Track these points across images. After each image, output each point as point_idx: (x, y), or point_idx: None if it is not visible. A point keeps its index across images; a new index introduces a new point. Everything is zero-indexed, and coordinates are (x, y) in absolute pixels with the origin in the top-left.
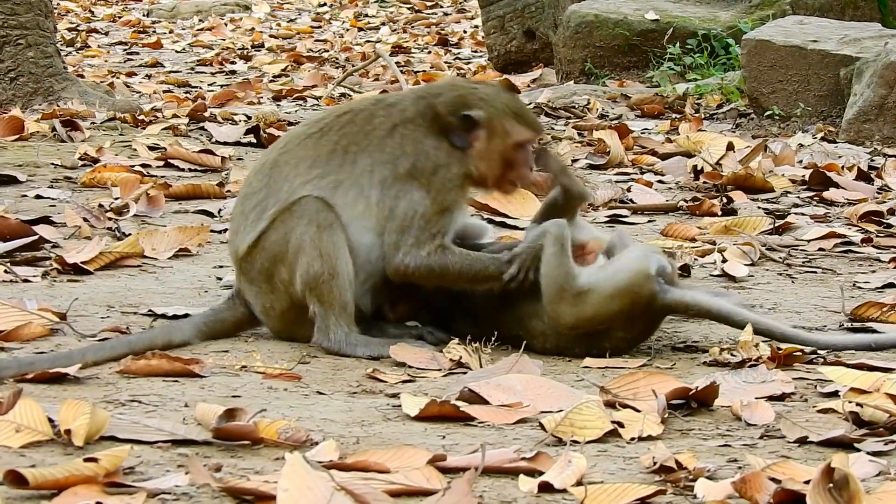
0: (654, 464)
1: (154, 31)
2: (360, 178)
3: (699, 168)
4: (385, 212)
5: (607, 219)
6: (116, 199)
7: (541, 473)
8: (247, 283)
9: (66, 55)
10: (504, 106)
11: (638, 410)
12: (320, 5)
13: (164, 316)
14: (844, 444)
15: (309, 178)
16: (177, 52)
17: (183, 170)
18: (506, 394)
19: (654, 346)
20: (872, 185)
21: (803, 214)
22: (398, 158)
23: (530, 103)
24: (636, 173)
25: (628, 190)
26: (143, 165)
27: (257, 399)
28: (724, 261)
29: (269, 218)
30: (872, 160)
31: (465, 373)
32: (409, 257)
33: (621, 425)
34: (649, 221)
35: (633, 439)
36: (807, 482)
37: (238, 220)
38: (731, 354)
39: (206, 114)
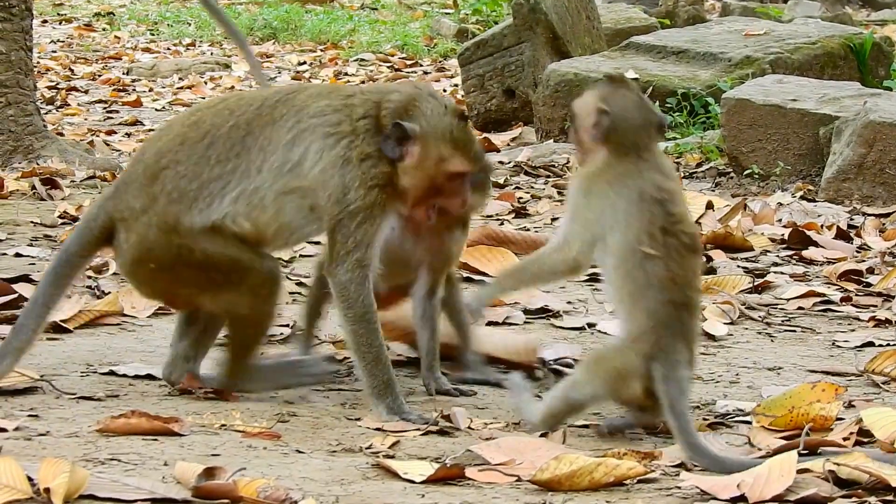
0: None
1: (134, 90)
2: None
3: None
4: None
5: (587, 278)
6: (96, 257)
7: None
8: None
9: (46, 113)
10: (446, 130)
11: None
12: (300, 64)
13: (125, 376)
14: (822, 502)
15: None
16: (157, 110)
17: None
18: (503, 453)
19: None
20: (852, 243)
21: (783, 273)
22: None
23: (509, 162)
24: None
25: None
26: None
27: (237, 458)
28: (704, 319)
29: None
30: (852, 219)
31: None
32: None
33: None
34: None
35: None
36: None
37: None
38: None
39: None
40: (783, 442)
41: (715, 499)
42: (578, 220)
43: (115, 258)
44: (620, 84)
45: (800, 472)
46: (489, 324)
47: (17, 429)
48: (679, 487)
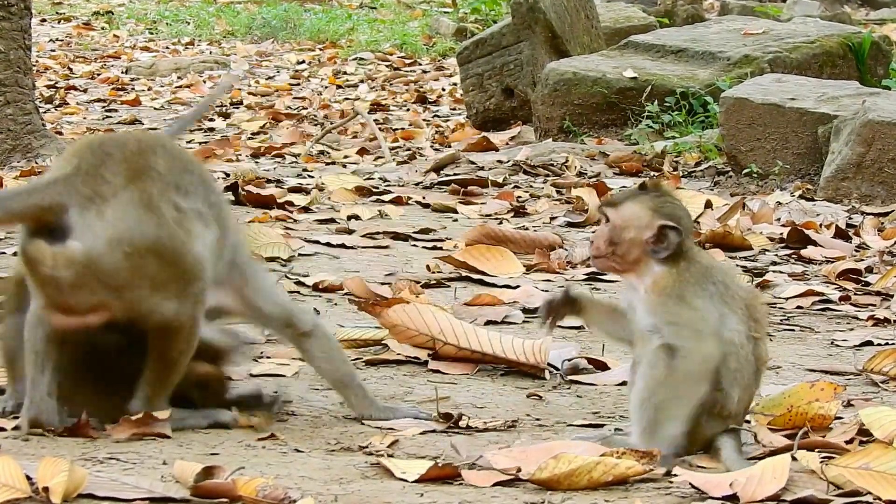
0: None
1: (133, 89)
2: None
3: None
4: None
5: (585, 277)
6: None
7: None
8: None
9: (45, 112)
10: None
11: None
12: (299, 63)
13: None
14: None
15: None
16: (155, 109)
17: None
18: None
19: None
20: (850, 242)
21: (781, 272)
22: None
23: (508, 161)
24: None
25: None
26: None
27: (235, 457)
28: None
29: None
30: (850, 218)
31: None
32: None
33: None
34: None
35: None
36: None
37: None
38: None
39: None
40: (788, 441)
41: (710, 497)
42: (689, 321)
43: None
44: (664, 192)
45: (797, 471)
46: (488, 323)
47: (15, 428)
48: (676, 486)
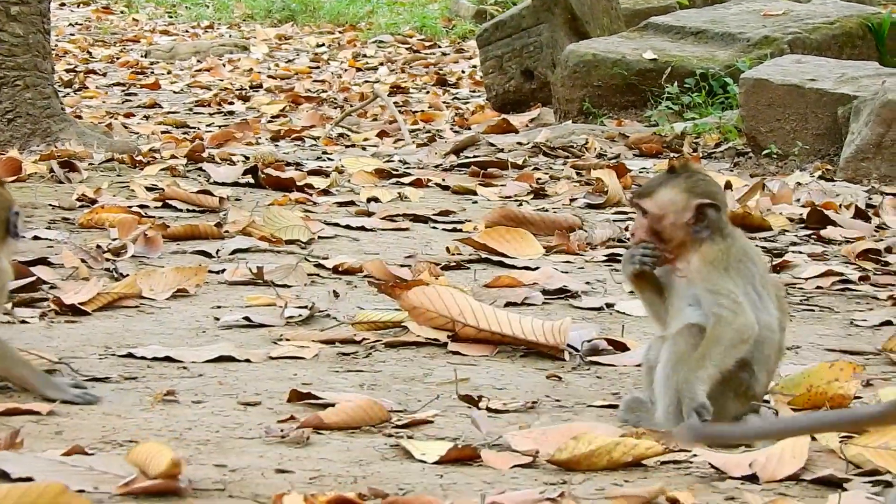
0: (647, 500)
1: (152, 72)
2: None
3: None
4: None
5: (605, 258)
6: (114, 239)
7: None
8: None
9: (64, 96)
10: None
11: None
12: (318, 46)
13: (143, 358)
14: (837, 483)
15: None
16: (175, 92)
17: (181, 210)
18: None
19: None
20: (870, 223)
21: (801, 253)
22: None
23: (528, 143)
24: (634, 212)
25: (626, 229)
26: (141, 206)
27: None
28: None
29: None
30: (870, 198)
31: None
32: None
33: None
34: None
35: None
36: None
37: None
38: None
39: (205, 154)
40: None
41: (729, 477)
42: (731, 293)
43: None
44: (694, 172)
45: (816, 451)
46: (507, 305)
47: (50, 413)
48: (696, 466)
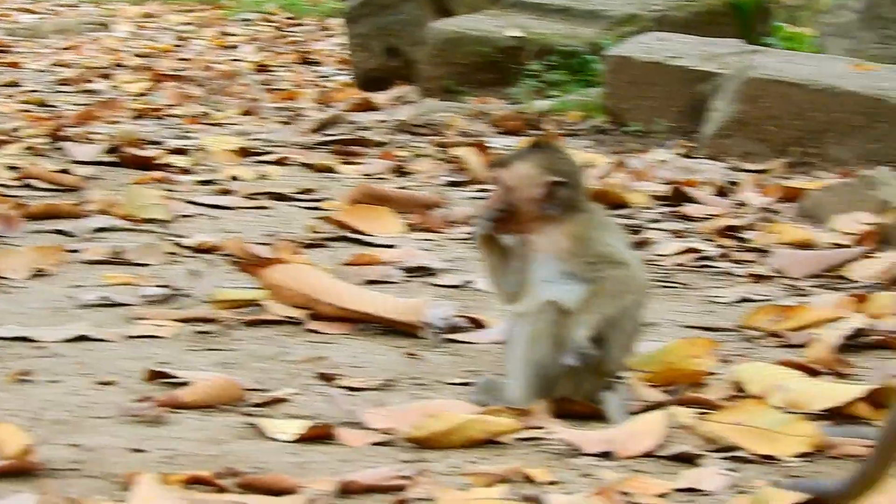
0: (503, 478)
1: (14, 50)
2: None
3: None
4: None
5: (466, 235)
6: None
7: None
8: None
9: None
10: None
11: None
12: (182, 24)
13: (2, 338)
14: (692, 459)
15: None
16: (37, 70)
17: (41, 189)
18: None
19: None
20: (730, 200)
21: (662, 230)
22: None
23: (391, 120)
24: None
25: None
26: (1, 185)
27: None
28: None
29: None
30: (731, 175)
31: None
32: None
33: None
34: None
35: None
36: (658, 495)
37: None
38: None
39: (66, 133)
40: (664, 397)
41: (585, 454)
42: (608, 256)
43: None
44: (554, 149)
45: (673, 427)
46: (368, 283)
47: None
48: (552, 443)
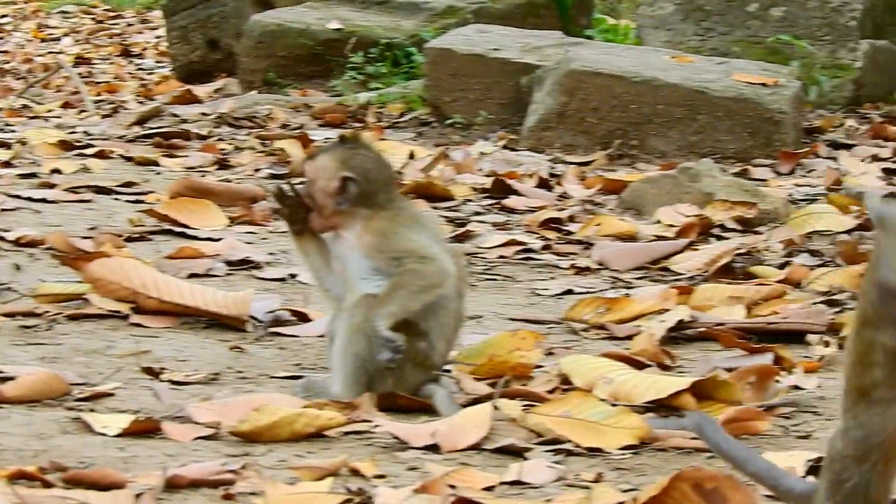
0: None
1: None
2: None
3: None
4: None
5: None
6: None
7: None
8: None
9: None
10: None
11: None
12: (1, 16)
13: None
14: (518, 452)
15: None
16: None
17: None
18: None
19: None
20: (553, 192)
21: (484, 222)
22: None
23: (212, 113)
24: None
25: None
26: None
27: None
28: None
29: None
30: (553, 167)
31: None
32: None
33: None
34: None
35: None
36: (485, 489)
37: None
38: None
39: None
40: (490, 390)
41: (411, 447)
42: (412, 250)
43: None
44: (358, 144)
45: (498, 420)
46: (191, 276)
47: None
48: (378, 436)
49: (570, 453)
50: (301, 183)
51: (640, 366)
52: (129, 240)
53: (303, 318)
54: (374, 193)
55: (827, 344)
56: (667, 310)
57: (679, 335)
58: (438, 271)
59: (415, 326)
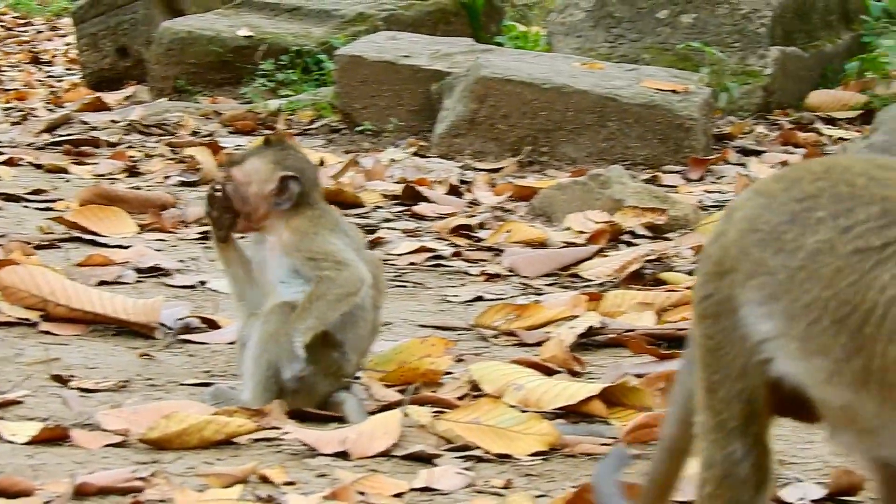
0: (239, 478)
1: None
2: None
3: None
4: None
5: (199, 236)
6: None
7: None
8: None
9: None
10: None
11: None
12: None
13: None
14: (428, 458)
15: None
16: None
17: None
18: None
19: None
20: (463, 199)
21: (394, 229)
22: None
23: (122, 121)
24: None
25: None
26: None
27: None
28: None
29: None
30: (463, 174)
31: None
32: None
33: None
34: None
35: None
36: (394, 495)
37: None
38: None
39: None
40: (399, 397)
41: (321, 454)
42: (330, 254)
43: None
44: (286, 146)
45: (408, 426)
46: (100, 284)
47: None
48: (287, 443)
49: (479, 460)
50: (221, 188)
51: (550, 372)
52: (39, 247)
53: (212, 325)
54: (308, 193)
55: None
56: (577, 316)
57: (589, 341)
58: (353, 279)
59: (331, 337)
